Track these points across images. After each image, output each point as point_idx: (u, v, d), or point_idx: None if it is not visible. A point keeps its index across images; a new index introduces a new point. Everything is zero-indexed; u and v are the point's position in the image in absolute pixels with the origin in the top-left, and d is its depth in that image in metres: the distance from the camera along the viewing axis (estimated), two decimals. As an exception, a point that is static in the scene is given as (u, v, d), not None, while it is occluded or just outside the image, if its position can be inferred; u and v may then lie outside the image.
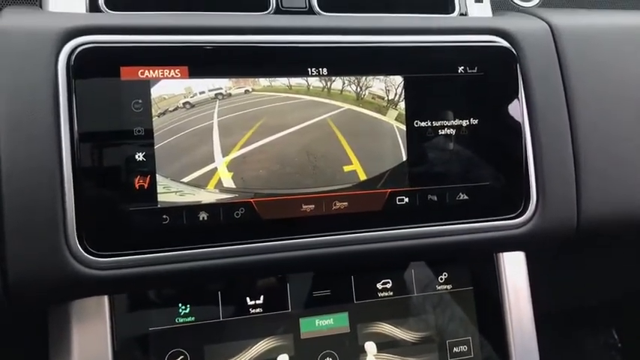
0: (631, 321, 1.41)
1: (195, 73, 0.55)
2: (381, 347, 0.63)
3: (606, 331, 1.44)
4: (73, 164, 0.52)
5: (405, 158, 0.60)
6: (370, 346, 0.62)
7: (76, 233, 0.52)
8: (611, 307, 1.40)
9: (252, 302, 0.60)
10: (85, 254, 0.52)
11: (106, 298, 0.56)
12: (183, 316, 0.58)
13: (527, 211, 0.63)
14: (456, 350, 0.65)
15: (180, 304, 0.58)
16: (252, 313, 0.60)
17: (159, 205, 0.54)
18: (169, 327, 0.58)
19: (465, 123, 0.62)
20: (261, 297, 0.60)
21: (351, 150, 0.59)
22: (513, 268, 0.67)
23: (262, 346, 0.60)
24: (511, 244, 0.65)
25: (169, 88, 0.54)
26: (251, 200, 0.56)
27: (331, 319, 0.62)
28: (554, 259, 0.87)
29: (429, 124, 0.61)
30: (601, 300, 1.34)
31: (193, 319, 0.58)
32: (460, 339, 0.65)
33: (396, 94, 0.60)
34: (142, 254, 0.53)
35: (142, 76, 0.54)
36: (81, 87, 0.52)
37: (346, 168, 0.59)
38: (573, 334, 1.39)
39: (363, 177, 0.59)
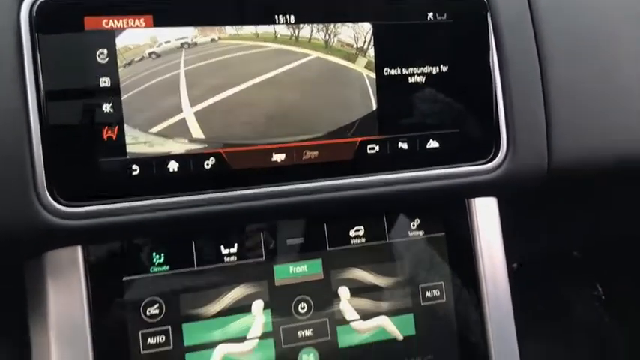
0: (613, 273, 1.43)
1: (159, 22, 0.54)
2: (355, 292, 0.64)
3: (590, 284, 1.47)
4: (40, 116, 0.52)
5: (374, 107, 0.61)
6: (344, 291, 0.64)
7: (45, 185, 0.52)
8: (594, 259, 1.43)
9: (227, 251, 0.61)
10: (56, 204, 0.52)
11: (79, 250, 0.57)
12: (157, 265, 0.59)
13: (498, 157, 0.64)
14: (429, 295, 0.66)
15: (154, 254, 0.59)
16: (227, 262, 0.61)
17: (128, 156, 0.54)
18: (144, 276, 0.59)
19: (435, 71, 0.62)
20: (235, 245, 0.61)
21: (321, 99, 0.59)
22: (485, 213, 0.68)
23: (237, 292, 0.61)
24: (482, 189, 0.66)
25: (134, 37, 0.54)
26: (220, 151, 0.57)
27: (305, 266, 0.63)
28: (530, 207, 0.89)
29: (399, 71, 0.61)
30: (579, 248, 1.36)
31: (168, 268, 0.59)
32: (433, 283, 0.66)
33: (365, 42, 0.60)
34: (112, 204, 0.54)
35: (106, 26, 0.53)
36: (45, 38, 0.52)
37: (316, 117, 0.59)
38: (557, 287, 1.41)
39: (333, 126, 0.60)
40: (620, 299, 1.41)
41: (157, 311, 0.59)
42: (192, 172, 0.56)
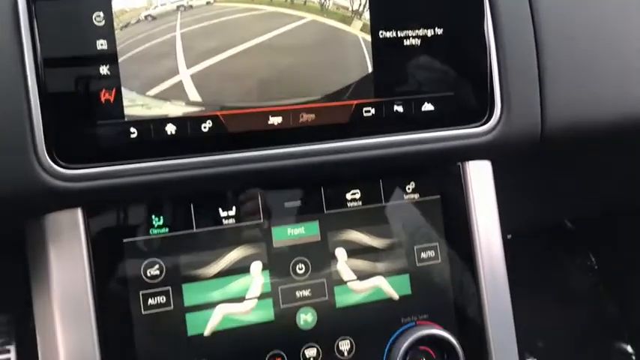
0: (606, 243, 1.45)
1: (155, -16, 0.54)
2: (351, 253, 0.65)
3: (583, 254, 1.49)
4: (37, 80, 0.52)
5: (370, 70, 0.61)
6: (340, 252, 0.65)
7: (45, 147, 0.53)
8: (587, 229, 1.44)
9: (225, 213, 0.62)
10: (55, 167, 0.53)
11: (79, 212, 0.58)
12: (157, 228, 0.60)
13: (492, 119, 0.65)
14: (424, 256, 0.67)
15: (153, 216, 0.60)
16: (225, 224, 0.62)
17: (126, 119, 0.55)
18: (144, 238, 0.60)
19: (430, 34, 0.62)
20: (234, 208, 0.62)
21: (317, 62, 0.60)
22: (479, 176, 0.69)
23: (236, 254, 0.62)
24: (476, 152, 0.67)
25: (130, 0, 0.54)
26: (218, 113, 0.57)
27: (302, 228, 0.64)
28: (522, 179, 0.90)
29: (394, 34, 0.62)
30: (575, 217, 1.38)
31: (167, 230, 0.60)
32: (427, 245, 0.68)
33: (360, 5, 0.60)
34: (111, 166, 0.55)
35: (101, -12, 0.53)
36: (41, 3, 0.52)
37: (311, 80, 0.60)
38: (550, 257, 1.43)
39: (329, 89, 0.60)
40: (613, 269, 1.43)
41: (157, 272, 0.60)
42: (189, 135, 0.56)
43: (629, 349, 1.42)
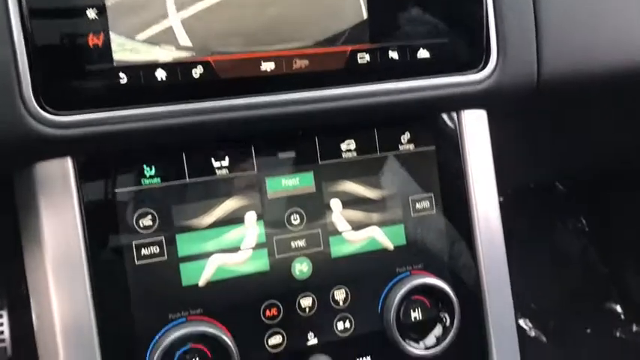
0: (597, 205, 1.46)
1: None
2: (346, 204, 0.65)
3: (574, 216, 1.50)
4: (22, 24, 0.50)
5: (365, 16, 0.60)
6: (335, 203, 0.64)
7: (32, 92, 0.51)
8: (578, 191, 1.45)
9: (218, 164, 0.61)
10: (43, 113, 0.52)
11: (69, 161, 0.57)
12: (149, 178, 0.59)
13: (488, 67, 0.64)
14: (419, 206, 0.67)
15: (145, 166, 0.59)
16: (219, 174, 0.61)
17: (114, 64, 0.53)
18: (136, 188, 0.59)
19: None
20: (227, 158, 0.61)
21: (310, 7, 0.58)
22: (475, 126, 0.69)
23: (230, 204, 0.61)
24: (472, 100, 0.66)
25: (116, -60, 0.52)
26: (209, 59, 0.56)
27: (297, 179, 0.63)
28: (515, 139, 0.89)
29: (390, -21, 0.60)
30: (563, 180, 1.38)
31: (159, 180, 0.59)
32: (422, 195, 0.67)
33: (354, -52, 0.59)
34: (100, 112, 0.53)
35: None
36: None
37: (305, 25, 0.58)
38: (541, 219, 1.44)
39: (323, 35, 0.59)
40: (604, 231, 1.44)
41: (150, 223, 0.59)
42: (180, 81, 0.55)
43: (619, 308, 1.44)
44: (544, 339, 1.35)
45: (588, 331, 1.38)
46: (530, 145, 1.04)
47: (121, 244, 0.58)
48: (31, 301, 0.61)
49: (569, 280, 1.43)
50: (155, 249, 0.59)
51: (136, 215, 0.58)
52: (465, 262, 0.68)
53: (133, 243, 0.58)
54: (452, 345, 0.65)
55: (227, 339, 0.58)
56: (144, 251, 0.58)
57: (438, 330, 0.65)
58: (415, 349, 0.64)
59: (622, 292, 1.44)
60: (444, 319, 0.66)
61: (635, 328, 1.41)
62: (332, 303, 0.64)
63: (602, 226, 1.47)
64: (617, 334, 1.41)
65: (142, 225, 0.59)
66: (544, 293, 1.40)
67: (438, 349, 0.64)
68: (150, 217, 0.59)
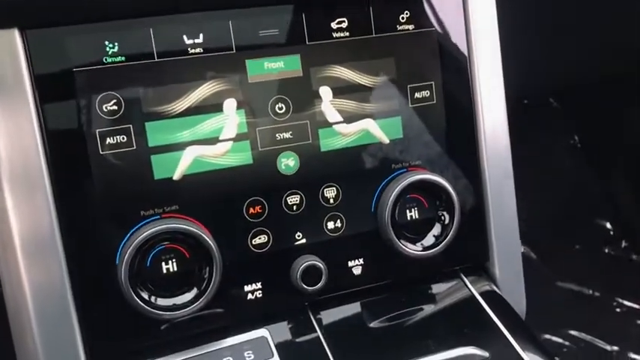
0: (590, 122, 1.42)
1: None
2: (337, 92, 0.58)
3: (566, 132, 1.46)
4: None
5: None
6: (325, 91, 0.57)
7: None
8: (571, 107, 1.40)
9: (191, 41, 0.53)
10: None
11: (16, 35, 0.49)
12: (111, 56, 0.51)
13: None
14: (418, 96, 0.60)
15: (107, 42, 0.51)
16: (192, 54, 0.53)
17: None
18: (97, 68, 0.51)
19: None
20: (201, 36, 0.53)
21: None
22: (482, 6, 0.61)
23: (206, 89, 0.54)
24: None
25: None
26: None
27: (281, 62, 0.56)
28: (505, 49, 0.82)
29: None
30: (555, 93, 1.33)
31: (124, 59, 0.52)
32: (422, 84, 0.60)
33: None
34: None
35: None
36: None
37: None
38: (534, 136, 1.39)
39: None
40: (596, 147, 1.41)
41: (114, 107, 0.52)
42: None
43: (608, 225, 1.43)
44: (533, 255, 1.34)
45: (577, 247, 1.37)
46: (528, 52, 0.98)
47: (83, 133, 0.51)
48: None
49: (560, 197, 1.40)
50: (122, 138, 0.52)
51: (98, 99, 0.51)
52: (466, 160, 0.62)
53: (97, 131, 0.51)
54: (450, 246, 0.60)
55: (207, 238, 0.52)
56: (109, 140, 0.52)
57: (436, 229, 0.60)
58: (412, 250, 0.59)
59: (613, 208, 1.43)
60: (443, 218, 0.60)
61: (624, 243, 1.40)
62: (321, 201, 0.58)
63: (595, 143, 1.43)
64: (607, 250, 1.40)
65: (105, 110, 0.51)
66: (534, 210, 1.37)
67: (437, 249, 0.59)
68: (115, 101, 0.52)
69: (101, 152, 0.51)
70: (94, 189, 0.51)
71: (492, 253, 0.64)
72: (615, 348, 1.18)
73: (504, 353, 0.55)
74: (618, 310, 1.28)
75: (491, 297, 0.61)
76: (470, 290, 0.62)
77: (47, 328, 0.51)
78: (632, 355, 1.18)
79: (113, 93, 0.52)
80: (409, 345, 0.55)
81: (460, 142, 0.62)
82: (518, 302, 0.64)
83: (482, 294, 0.62)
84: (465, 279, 0.63)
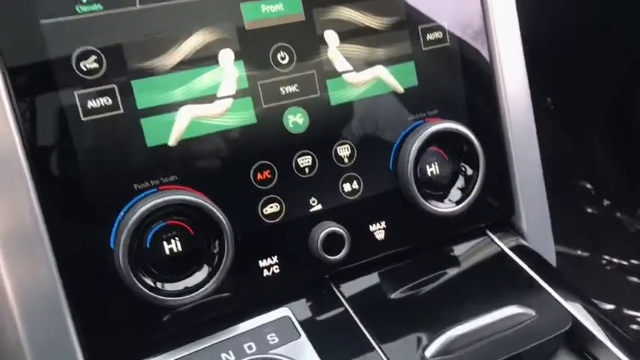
0: (563, 83, 1.39)
1: None
2: (344, 37, 0.52)
3: (539, 94, 1.43)
4: None
5: None
6: (331, 36, 0.51)
7: None
8: (544, 70, 1.38)
9: (177, -13, 0.46)
10: None
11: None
12: (86, 4, 0.44)
13: None
14: (431, 37, 0.55)
15: (78, -13, 0.43)
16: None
17: None
18: (69, 18, 0.43)
19: None
20: (187, -23, 0.46)
21: None
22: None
23: (197, 39, 0.47)
24: None
25: None
26: None
27: (280, 5, 0.49)
28: None
29: None
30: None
31: (101, 7, 0.44)
32: (434, 24, 0.55)
33: None
34: None
35: None
36: None
37: None
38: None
39: None
40: (568, 109, 1.39)
41: (95, 65, 0.44)
42: None
43: (588, 185, 1.42)
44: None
45: (560, 208, 1.35)
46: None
47: (59, 98, 0.43)
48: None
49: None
50: (106, 100, 0.44)
51: (74, 56, 0.44)
52: (486, 105, 0.57)
53: (76, 94, 0.44)
54: (476, 201, 0.55)
55: (214, 208, 0.45)
56: (91, 103, 0.44)
57: (460, 182, 0.55)
58: (438, 207, 0.53)
59: (590, 169, 1.42)
60: (465, 170, 0.55)
61: (605, 202, 1.39)
62: (335, 161, 0.52)
63: (568, 104, 1.41)
64: (589, 210, 1.39)
65: (84, 69, 0.44)
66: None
67: (465, 204, 0.54)
68: (94, 58, 0.44)
69: (83, 119, 0.44)
70: (77, 163, 0.44)
71: (519, 205, 0.59)
72: (610, 306, 1.16)
73: (551, 309, 0.50)
74: (608, 267, 1.27)
75: (524, 252, 0.57)
76: (500, 247, 0.57)
77: (34, 328, 0.43)
78: (628, 312, 1.16)
79: (92, 48, 0.44)
80: (448, 311, 0.50)
81: (478, 87, 0.57)
82: (549, 256, 0.60)
83: (513, 249, 0.57)
84: (493, 236, 0.58)
